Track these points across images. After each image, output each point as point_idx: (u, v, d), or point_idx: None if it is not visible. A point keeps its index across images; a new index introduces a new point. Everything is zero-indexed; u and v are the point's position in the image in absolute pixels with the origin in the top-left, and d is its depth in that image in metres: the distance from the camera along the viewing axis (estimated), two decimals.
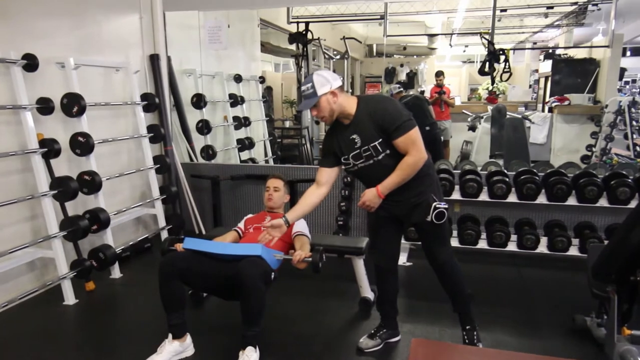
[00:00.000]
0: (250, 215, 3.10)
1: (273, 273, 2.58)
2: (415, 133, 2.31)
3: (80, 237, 3.34)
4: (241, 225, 3.04)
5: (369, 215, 2.62)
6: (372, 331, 2.76)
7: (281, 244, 2.84)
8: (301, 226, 2.92)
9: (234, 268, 2.41)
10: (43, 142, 3.22)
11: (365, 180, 2.51)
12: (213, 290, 2.73)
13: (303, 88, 2.34)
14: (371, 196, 2.41)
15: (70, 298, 3.25)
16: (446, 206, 2.41)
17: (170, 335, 2.53)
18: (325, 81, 2.31)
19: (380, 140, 2.33)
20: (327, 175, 2.53)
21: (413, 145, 2.30)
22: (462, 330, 2.67)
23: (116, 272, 3.72)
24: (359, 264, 3.15)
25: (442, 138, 6.78)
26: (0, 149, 3.02)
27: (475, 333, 2.63)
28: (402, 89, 6.29)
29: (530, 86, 12.10)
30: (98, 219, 3.45)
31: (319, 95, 2.31)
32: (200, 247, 2.60)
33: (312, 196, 2.54)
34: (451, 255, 2.58)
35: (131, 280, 3.69)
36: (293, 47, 7.28)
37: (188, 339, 2.59)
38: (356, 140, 2.37)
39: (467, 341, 2.62)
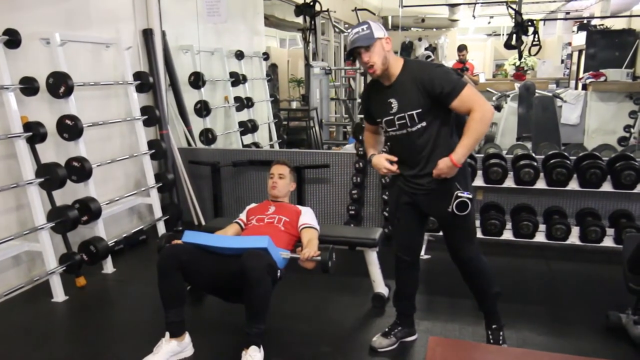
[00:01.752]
0: (252, 205, 3.10)
1: (279, 271, 2.57)
2: (469, 89, 2.28)
3: (70, 228, 3.35)
4: (243, 216, 3.04)
5: (390, 202, 2.63)
6: (387, 329, 2.75)
7: (288, 238, 2.84)
8: (308, 217, 2.92)
9: (238, 264, 2.40)
10: (27, 126, 3.22)
11: (397, 150, 2.50)
12: (214, 289, 2.71)
13: (356, 29, 2.30)
14: (446, 167, 2.32)
15: (59, 294, 3.28)
16: (470, 196, 2.35)
17: (167, 334, 2.54)
18: (380, 28, 2.31)
19: (420, 110, 2.32)
20: (376, 127, 2.61)
21: (471, 102, 2.26)
22: (487, 329, 2.65)
23: (109, 267, 3.75)
24: (372, 257, 3.14)
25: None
26: None
27: (501, 333, 2.62)
28: (432, 57, 6.20)
29: (562, 61, 11.94)
30: (88, 209, 3.47)
31: (375, 38, 2.29)
32: (202, 240, 2.59)
33: (376, 137, 2.65)
34: (477, 251, 2.54)
35: (125, 275, 3.72)
36: (300, 20, 7.23)
37: (187, 337, 2.60)
38: (393, 105, 2.37)
39: (491, 341, 2.61)
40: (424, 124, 2.34)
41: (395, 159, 2.49)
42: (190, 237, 2.61)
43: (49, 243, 3.28)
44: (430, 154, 2.38)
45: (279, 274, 2.56)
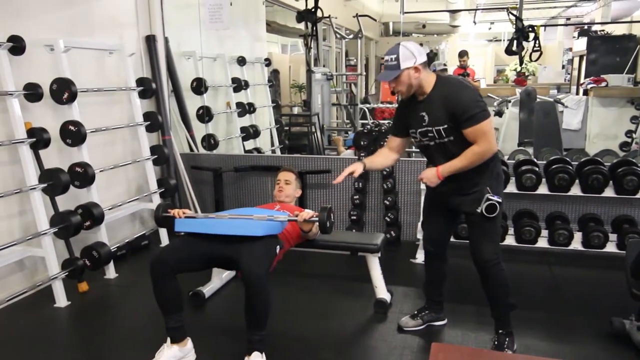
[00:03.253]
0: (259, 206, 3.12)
1: (278, 246, 2.62)
2: (487, 125, 2.39)
3: (72, 234, 3.35)
4: None
5: (426, 195, 2.82)
6: (415, 312, 2.96)
7: (291, 227, 2.87)
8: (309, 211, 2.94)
9: (233, 249, 2.46)
10: (31, 132, 3.23)
11: (428, 158, 2.68)
12: (212, 266, 2.86)
13: (386, 58, 2.45)
14: (429, 175, 2.53)
15: (61, 300, 3.28)
16: (500, 200, 2.48)
17: (168, 340, 2.53)
18: (411, 55, 2.41)
19: (446, 126, 2.43)
20: (398, 144, 2.75)
21: (483, 136, 2.38)
22: (495, 334, 2.68)
23: (111, 272, 3.75)
24: (374, 262, 3.14)
25: None
26: None
27: (507, 339, 2.64)
28: (446, 67, 6.18)
29: (563, 67, 11.96)
30: (91, 215, 3.47)
31: (401, 69, 2.41)
32: (194, 228, 2.63)
33: (387, 155, 2.77)
34: (498, 256, 2.58)
35: (127, 281, 3.72)
36: (302, 26, 7.25)
37: (189, 343, 2.59)
38: (425, 118, 2.50)
39: (496, 344, 2.63)
40: (451, 138, 2.45)
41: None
42: (182, 225, 2.64)
43: (51, 248, 3.28)
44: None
45: (277, 248, 2.62)
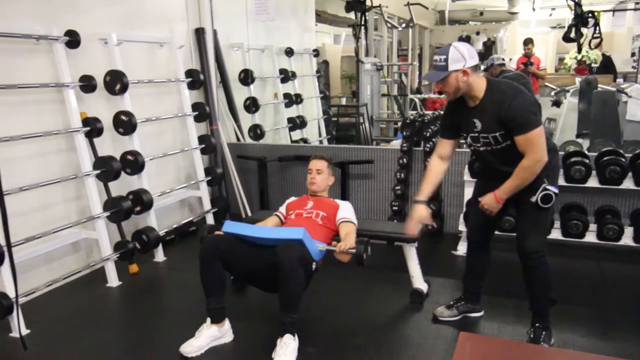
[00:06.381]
0: (292, 199, 3.20)
1: (314, 264, 2.66)
2: (535, 134, 2.36)
3: (123, 218, 3.58)
4: (283, 209, 3.14)
5: (475, 186, 2.84)
6: (451, 302, 3.00)
7: (325, 232, 2.91)
8: (346, 212, 2.98)
9: (273, 255, 2.50)
10: (86, 121, 3.47)
11: (481, 162, 2.73)
12: (252, 279, 2.85)
13: (435, 57, 2.44)
14: (490, 202, 2.55)
15: (113, 280, 3.52)
16: (556, 191, 2.47)
17: (208, 320, 2.69)
18: (461, 57, 2.38)
19: (503, 132, 2.42)
20: (450, 148, 2.72)
21: (531, 146, 2.36)
22: (531, 327, 2.66)
23: (160, 255, 3.97)
24: (411, 252, 3.17)
25: None
26: (44, 127, 3.29)
27: (543, 332, 2.62)
28: (504, 62, 6.05)
29: (633, 54, 11.34)
30: (141, 200, 3.69)
31: (449, 71, 2.39)
32: (240, 230, 2.72)
33: (439, 171, 2.72)
34: (543, 249, 2.58)
35: (175, 264, 3.93)
36: (352, 15, 7.28)
37: (227, 324, 2.73)
38: (476, 125, 2.49)
39: (532, 337, 2.63)
40: (508, 142, 2.44)
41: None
42: (230, 227, 2.75)
43: (104, 231, 3.52)
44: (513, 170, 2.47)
45: (314, 267, 2.65)
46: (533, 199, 2.46)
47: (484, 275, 2.93)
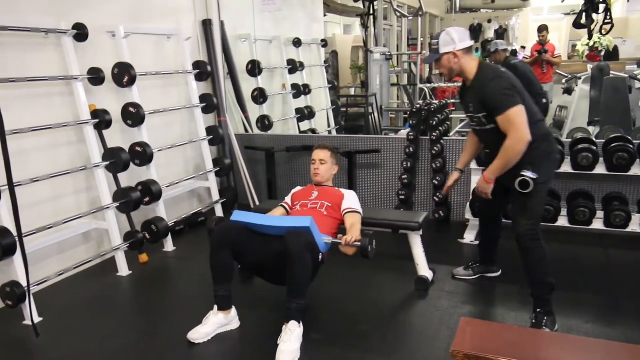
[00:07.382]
0: (297, 189, 3.23)
1: (321, 255, 2.70)
2: (513, 113, 2.49)
3: (133, 208, 3.65)
4: (288, 199, 3.18)
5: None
6: (469, 263, 3.31)
7: (331, 222, 2.94)
8: (351, 201, 3.00)
9: (281, 244, 2.55)
10: (95, 113, 3.53)
11: (482, 142, 2.95)
12: (262, 270, 2.88)
13: (432, 42, 2.79)
14: (480, 182, 2.75)
15: (123, 269, 3.59)
16: (533, 177, 2.55)
17: (215, 307, 2.74)
18: (450, 41, 2.65)
19: (485, 114, 2.62)
20: None
21: (511, 125, 2.50)
22: (533, 312, 2.69)
23: (169, 245, 4.04)
24: (416, 240, 3.19)
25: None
26: (54, 120, 3.35)
27: (545, 318, 2.64)
28: (507, 48, 5.96)
29: None
30: (150, 191, 3.75)
31: (440, 53, 2.68)
32: (248, 219, 2.76)
33: (474, 142, 3.03)
34: (532, 232, 2.64)
35: (184, 254, 3.99)
36: (360, 5, 7.26)
37: (233, 311, 2.79)
38: (470, 105, 2.73)
39: (534, 323, 2.65)
40: (492, 125, 2.61)
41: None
42: (239, 216, 2.79)
43: (114, 222, 3.59)
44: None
45: (320, 257, 2.69)
46: (514, 186, 2.59)
47: (491, 243, 3.19)
